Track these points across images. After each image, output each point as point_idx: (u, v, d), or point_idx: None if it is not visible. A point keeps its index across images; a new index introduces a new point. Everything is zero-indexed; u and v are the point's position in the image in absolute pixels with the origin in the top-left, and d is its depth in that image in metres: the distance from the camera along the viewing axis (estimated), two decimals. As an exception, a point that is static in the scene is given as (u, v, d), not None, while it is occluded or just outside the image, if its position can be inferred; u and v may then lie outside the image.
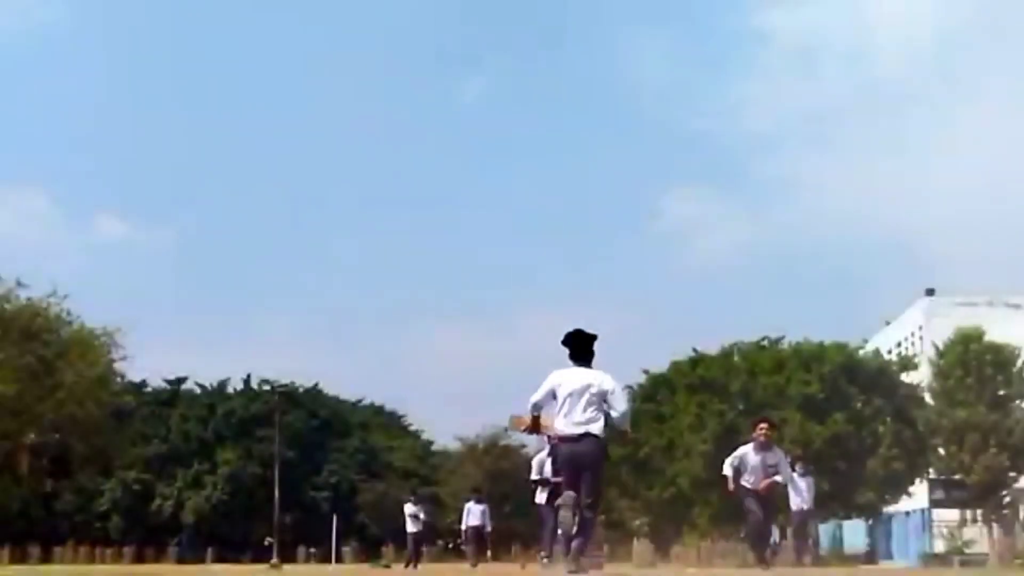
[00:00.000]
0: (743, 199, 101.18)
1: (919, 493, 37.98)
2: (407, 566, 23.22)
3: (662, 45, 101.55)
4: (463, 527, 23.12)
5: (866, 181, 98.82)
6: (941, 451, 35.16)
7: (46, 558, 46.02)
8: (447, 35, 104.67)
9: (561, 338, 8.20)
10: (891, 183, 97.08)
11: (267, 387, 59.28)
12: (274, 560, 36.10)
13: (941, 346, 35.46)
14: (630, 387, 39.79)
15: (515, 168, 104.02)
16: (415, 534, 24.52)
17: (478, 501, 22.96)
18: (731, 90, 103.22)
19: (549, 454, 12.60)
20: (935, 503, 37.25)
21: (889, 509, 38.53)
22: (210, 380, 68.31)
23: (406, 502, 25.34)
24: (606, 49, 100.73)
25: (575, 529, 7.96)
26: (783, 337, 38.92)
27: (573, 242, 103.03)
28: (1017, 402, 34.52)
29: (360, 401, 73.91)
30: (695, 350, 40.69)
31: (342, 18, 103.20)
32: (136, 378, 57.57)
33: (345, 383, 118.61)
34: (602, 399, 8.01)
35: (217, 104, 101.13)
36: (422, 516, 24.58)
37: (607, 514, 39.48)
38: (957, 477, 34.78)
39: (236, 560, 49.96)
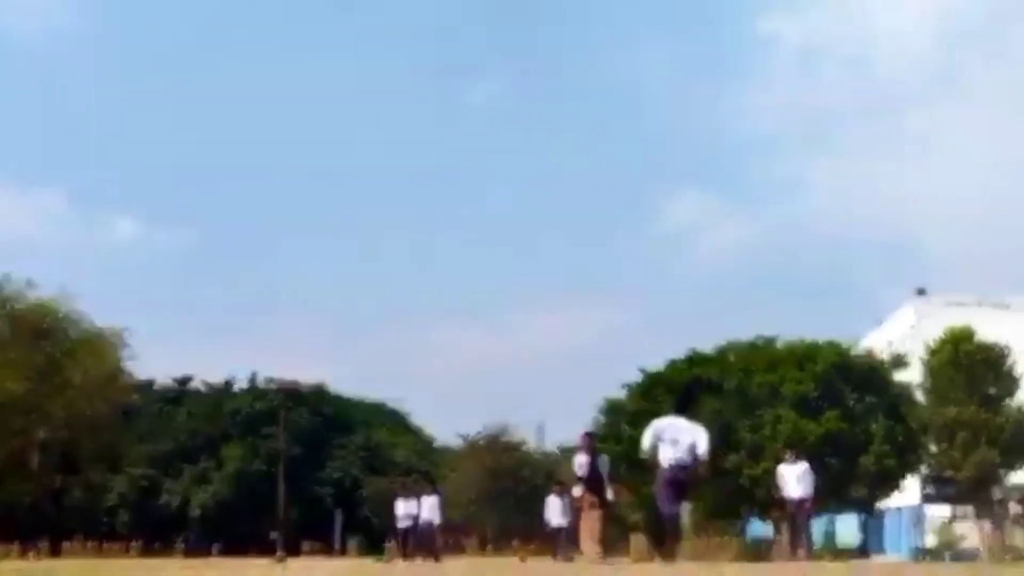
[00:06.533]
0: (738, 200, 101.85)
1: (911, 489, 38.41)
2: (406, 559, 23.82)
3: (665, 48, 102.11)
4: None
5: (860, 182, 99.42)
6: (932, 448, 35.57)
7: (55, 552, 46.62)
8: (453, 39, 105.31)
9: None
10: (885, 184, 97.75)
11: (272, 386, 59.83)
12: (280, 553, 36.69)
13: (932, 345, 35.91)
14: (628, 386, 40.13)
15: (516, 168, 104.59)
16: (403, 530, 25.16)
17: (559, 495, 21.95)
18: (731, 92, 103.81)
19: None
20: (927, 499, 37.71)
21: (881, 505, 38.96)
22: (216, 379, 69.10)
23: (396, 498, 26.03)
24: (609, 51, 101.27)
25: None
26: (777, 336, 39.30)
27: (573, 242, 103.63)
28: (1006, 400, 35.00)
29: (364, 399, 74.58)
30: (694, 351, 41.05)
31: (346, 20, 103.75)
32: (144, 377, 58.34)
33: (349, 382, 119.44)
34: None
35: (230, 107, 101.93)
36: (407, 512, 25.06)
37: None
38: (948, 473, 35.22)
39: (242, 555, 50.47)
